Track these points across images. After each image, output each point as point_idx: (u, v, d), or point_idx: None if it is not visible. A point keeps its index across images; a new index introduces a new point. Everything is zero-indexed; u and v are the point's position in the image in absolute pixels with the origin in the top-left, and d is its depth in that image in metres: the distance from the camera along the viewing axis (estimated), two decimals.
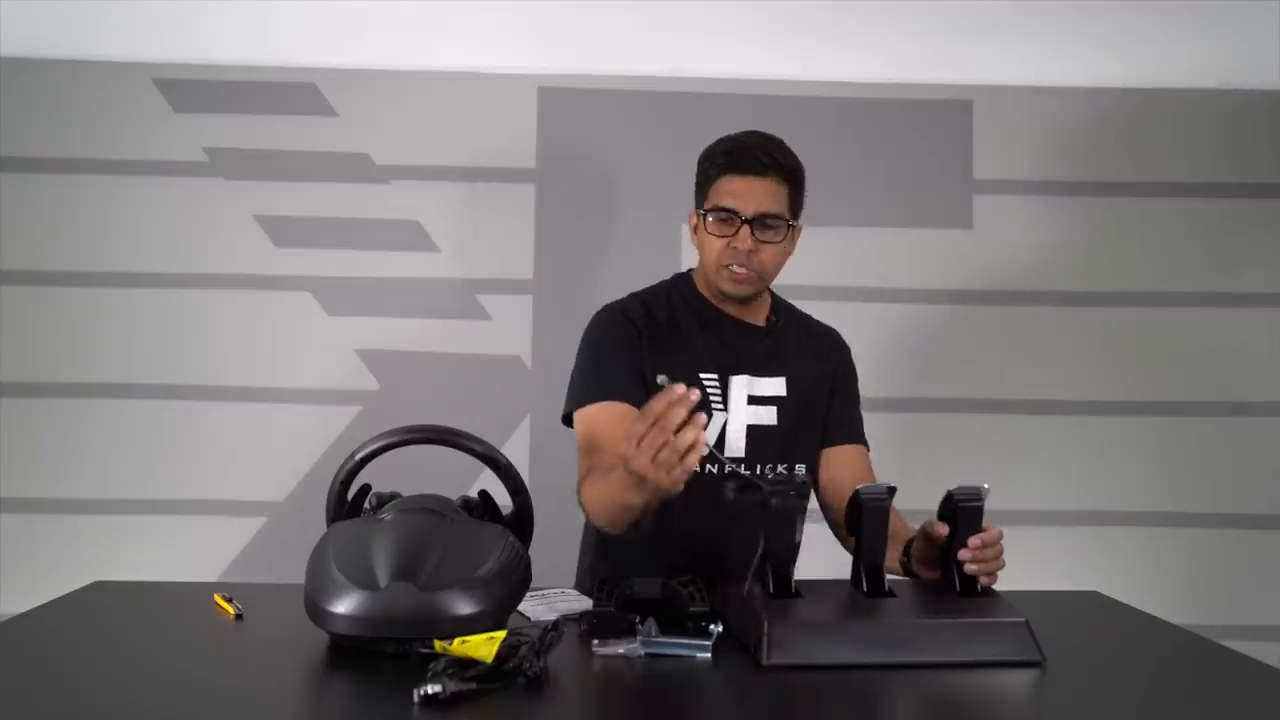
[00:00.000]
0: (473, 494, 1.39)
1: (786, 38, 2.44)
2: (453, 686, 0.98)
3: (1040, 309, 2.49)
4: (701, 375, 1.64)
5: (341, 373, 2.42)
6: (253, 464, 2.41)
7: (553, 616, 1.20)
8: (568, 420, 1.62)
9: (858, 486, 1.27)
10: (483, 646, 1.03)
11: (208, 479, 2.41)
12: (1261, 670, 1.17)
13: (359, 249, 2.45)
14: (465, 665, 1.02)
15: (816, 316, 1.85)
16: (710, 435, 1.60)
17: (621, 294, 1.81)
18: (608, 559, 1.62)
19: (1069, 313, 2.49)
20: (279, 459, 2.40)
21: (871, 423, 2.54)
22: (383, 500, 1.32)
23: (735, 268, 1.62)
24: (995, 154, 2.50)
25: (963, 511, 1.25)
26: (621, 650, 1.15)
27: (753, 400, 1.65)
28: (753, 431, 1.64)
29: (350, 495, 1.35)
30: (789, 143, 1.71)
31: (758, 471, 1.60)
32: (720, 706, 1.09)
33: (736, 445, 1.63)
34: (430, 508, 1.27)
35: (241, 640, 1.27)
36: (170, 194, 2.43)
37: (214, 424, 2.42)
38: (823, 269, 2.48)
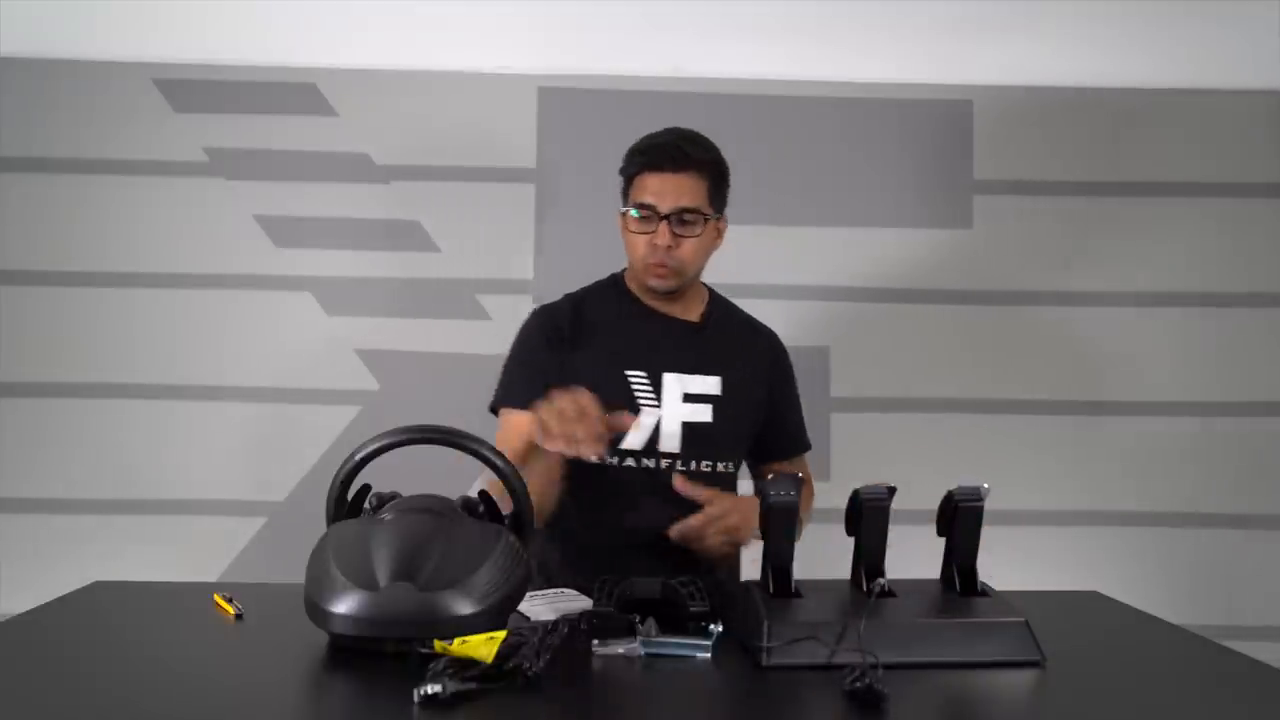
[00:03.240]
0: (473, 494, 1.39)
1: (786, 38, 2.44)
2: (453, 686, 0.98)
3: (1040, 309, 2.49)
4: (628, 373, 1.66)
5: (341, 373, 2.42)
6: (253, 464, 2.41)
7: (553, 616, 1.20)
8: (495, 411, 1.69)
9: (857, 487, 1.26)
10: (483, 646, 1.03)
11: (208, 479, 2.41)
12: (1262, 670, 1.17)
13: (359, 249, 2.45)
14: (465, 665, 1.02)
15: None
16: (644, 432, 1.64)
17: None
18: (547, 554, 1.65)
19: (1069, 313, 2.49)
20: (279, 459, 2.40)
21: (872, 423, 2.56)
22: (383, 500, 1.31)
23: (657, 264, 1.65)
24: (995, 154, 2.50)
25: (963, 511, 1.25)
26: (621, 650, 1.15)
27: (688, 398, 1.67)
28: (688, 428, 1.65)
29: (350, 495, 1.35)
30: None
31: (691, 468, 1.63)
32: (720, 706, 1.09)
33: (671, 442, 1.64)
34: (430, 508, 1.27)
35: (241, 640, 1.27)
36: (170, 194, 2.43)
37: (214, 424, 2.42)
38: (822, 269, 2.49)
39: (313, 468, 2.38)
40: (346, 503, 1.34)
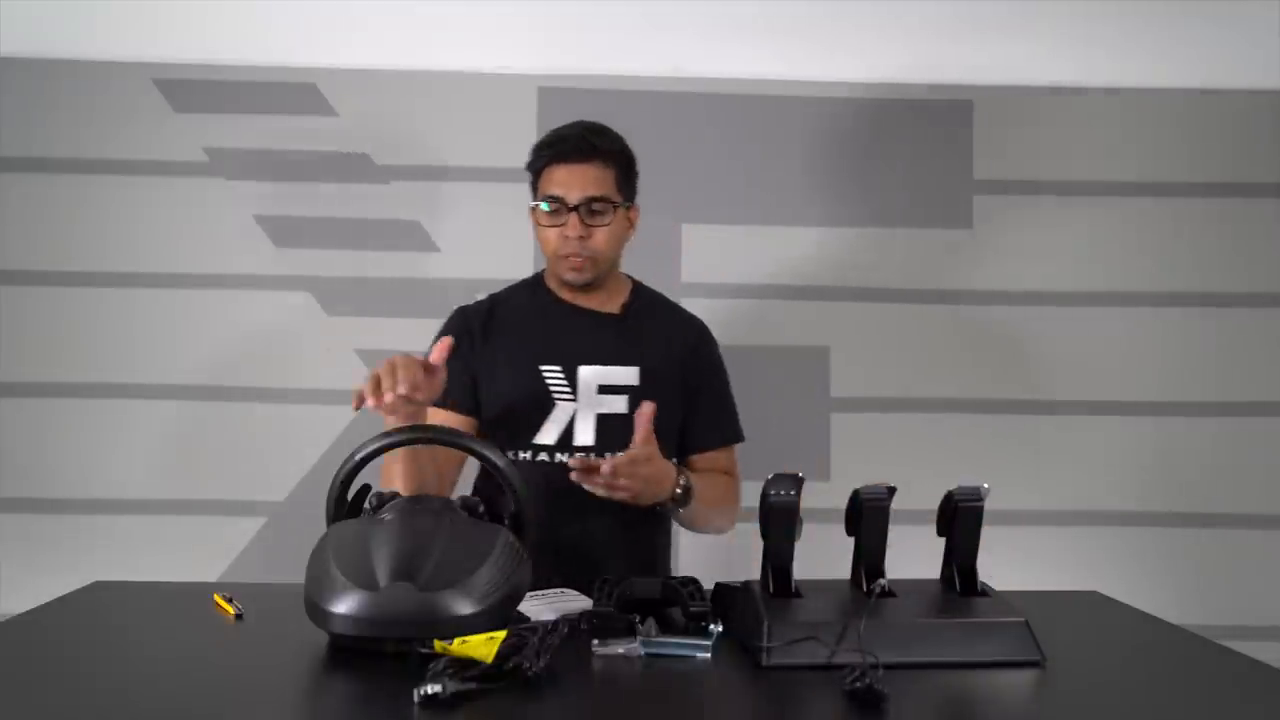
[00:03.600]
0: (472, 494, 1.39)
1: (787, 38, 2.44)
2: (453, 686, 0.98)
3: (1040, 309, 2.49)
4: (543, 368, 1.67)
5: (341, 373, 2.42)
6: (253, 464, 2.41)
7: (553, 616, 1.20)
8: None
9: (857, 487, 1.26)
10: (483, 646, 1.03)
11: (208, 479, 2.41)
12: (1262, 671, 1.17)
13: (359, 249, 2.45)
14: (465, 665, 1.02)
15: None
16: (558, 425, 1.65)
17: None
18: None
19: (1069, 313, 2.49)
20: (279, 459, 2.40)
21: (872, 423, 2.56)
22: (383, 500, 1.32)
23: (570, 256, 1.65)
24: (995, 154, 2.50)
25: (963, 511, 1.25)
26: (621, 650, 1.15)
27: (603, 389, 1.67)
28: (603, 421, 1.65)
29: (350, 495, 1.35)
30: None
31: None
32: (720, 706, 1.09)
33: (585, 435, 1.65)
34: (430, 508, 1.27)
35: (241, 640, 1.27)
36: (170, 194, 2.43)
37: (214, 424, 2.42)
38: (822, 269, 2.48)
39: (313, 468, 2.38)
40: (346, 503, 1.34)
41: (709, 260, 2.45)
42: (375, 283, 2.45)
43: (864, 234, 2.49)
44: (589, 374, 1.67)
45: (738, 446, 1.81)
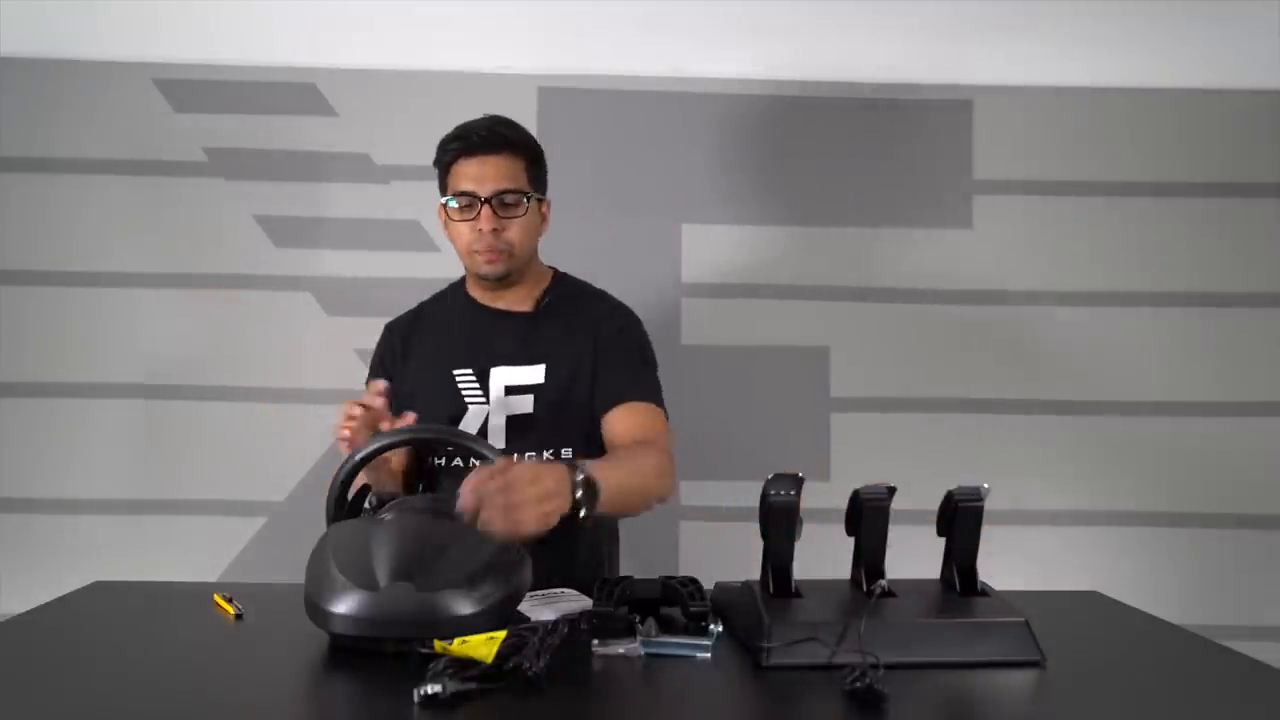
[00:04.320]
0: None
1: (787, 38, 2.44)
2: (453, 686, 0.98)
3: (1040, 309, 2.49)
4: (456, 372, 1.67)
5: (341, 373, 2.42)
6: (253, 464, 2.41)
7: (553, 616, 1.20)
8: None
9: (857, 487, 1.26)
10: (482, 646, 1.03)
11: (208, 479, 2.41)
12: (1262, 670, 1.17)
13: (359, 249, 2.45)
14: (465, 665, 1.02)
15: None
16: (471, 430, 1.64)
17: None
18: None
19: (1069, 313, 2.49)
20: (279, 459, 2.40)
21: (872, 423, 2.56)
22: (383, 500, 1.32)
23: (484, 250, 1.63)
24: (995, 154, 2.50)
25: (963, 511, 1.25)
26: (621, 650, 1.15)
27: (510, 390, 1.65)
28: (511, 422, 1.64)
29: (350, 495, 1.35)
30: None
31: (519, 459, 1.44)
32: (720, 706, 1.09)
33: (497, 436, 1.64)
34: (430, 508, 1.27)
35: (241, 640, 1.27)
36: (170, 194, 2.43)
37: (214, 424, 2.42)
38: (822, 269, 2.48)
39: (313, 468, 2.38)
40: (346, 503, 1.34)
41: (709, 260, 2.46)
42: (375, 283, 2.45)
43: (864, 234, 2.49)
44: (499, 375, 1.66)
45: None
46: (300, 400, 2.42)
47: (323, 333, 2.44)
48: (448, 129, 2.44)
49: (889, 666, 1.05)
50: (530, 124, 2.44)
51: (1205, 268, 2.50)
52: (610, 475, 1.37)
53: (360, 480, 1.38)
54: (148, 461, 2.41)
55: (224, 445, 2.42)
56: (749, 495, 1.26)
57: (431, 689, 0.97)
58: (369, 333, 2.43)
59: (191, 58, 2.42)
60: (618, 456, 1.58)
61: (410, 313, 1.82)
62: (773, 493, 1.22)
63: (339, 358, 2.42)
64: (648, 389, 1.68)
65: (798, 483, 1.23)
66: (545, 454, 1.64)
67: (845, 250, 2.48)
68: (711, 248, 2.46)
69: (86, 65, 2.42)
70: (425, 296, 2.45)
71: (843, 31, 2.44)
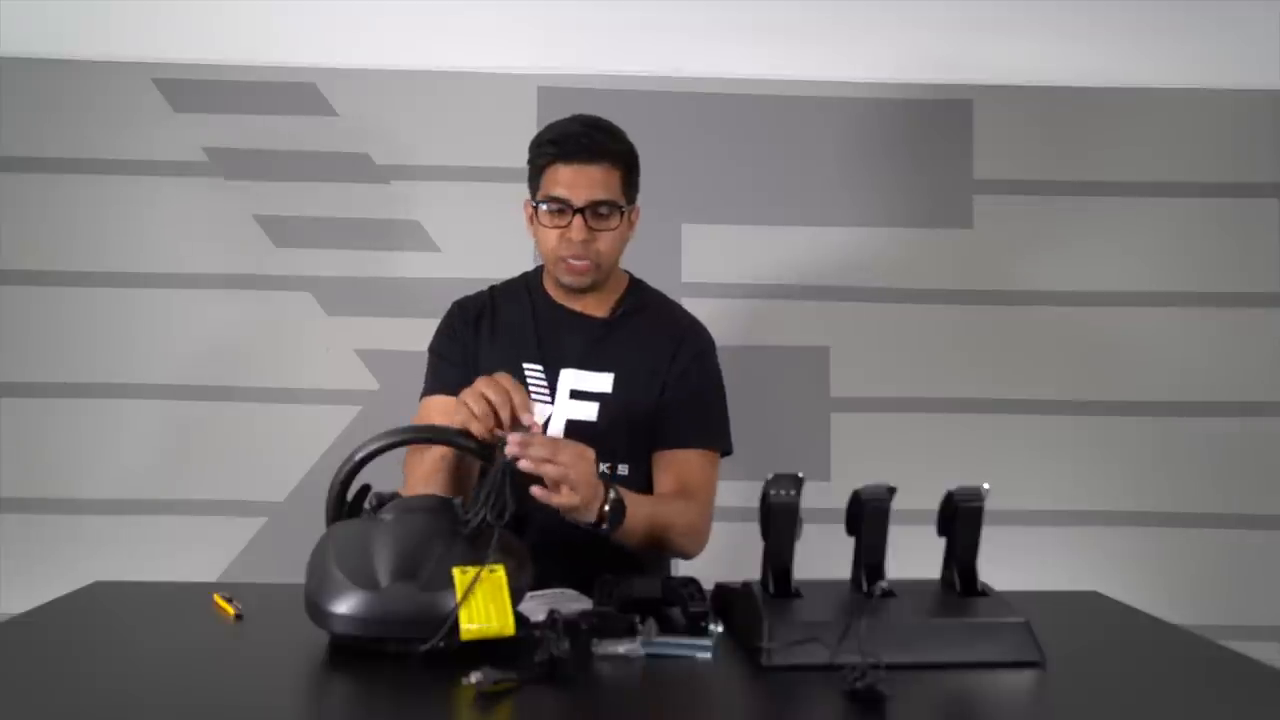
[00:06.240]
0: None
1: (786, 38, 2.44)
2: (494, 675, 1.01)
3: (1040, 309, 2.49)
4: (526, 366, 1.64)
5: (341, 373, 2.42)
6: (253, 464, 2.41)
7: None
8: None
9: (857, 487, 1.26)
10: (497, 620, 1.05)
11: (208, 479, 2.41)
12: (1262, 670, 1.17)
13: (359, 249, 2.45)
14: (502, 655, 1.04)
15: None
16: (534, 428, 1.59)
17: None
18: None
19: (1069, 313, 2.49)
20: (279, 459, 2.40)
21: (872, 423, 2.55)
22: (383, 500, 1.31)
23: (572, 259, 1.60)
24: (995, 154, 2.50)
25: (963, 511, 1.25)
26: (621, 650, 1.15)
27: (575, 395, 1.62)
28: (571, 427, 1.60)
29: (350, 495, 1.35)
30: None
31: None
32: (720, 706, 1.09)
33: None
34: (430, 508, 1.27)
35: (241, 640, 1.27)
36: (170, 194, 2.43)
37: (214, 424, 2.42)
38: (822, 269, 2.49)
39: (313, 468, 2.38)
40: (346, 503, 1.34)
41: (709, 260, 2.46)
42: (375, 283, 2.45)
43: (864, 234, 2.49)
44: (568, 377, 1.64)
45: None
46: (300, 400, 2.42)
47: (323, 333, 2.44)
48: (448, 129, 2.47)
49: (889, 667, 1.05)
50: (530, 124, 2.45)
51: (1205, 268, 2.50)
52: (639, 511, 1.42)
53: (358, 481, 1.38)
54: (147, 461, 2.41)
55: (224, 445, 2.42)
56: (749, 495, 1.26)
57: (475, 678, 1.00)
58: (369, 333, 2.45)
59: (191, 58, 2.42)
60: (654, 500, 1.57)
61: (482, 294, 1.75)
62: (773, 493, 1.22)
63: (339, 358, 2.43)
64: (714, 433, 1.67)
65: (798, 483, 1.22)
66: (601, 466, 1.59)
67: (845, 250, 2.48)
68: (711, 248, 2.46)
69: (86, 65, 2.42)
70: (425, 296, 2.46)
71: (843, 31, 2.45)
